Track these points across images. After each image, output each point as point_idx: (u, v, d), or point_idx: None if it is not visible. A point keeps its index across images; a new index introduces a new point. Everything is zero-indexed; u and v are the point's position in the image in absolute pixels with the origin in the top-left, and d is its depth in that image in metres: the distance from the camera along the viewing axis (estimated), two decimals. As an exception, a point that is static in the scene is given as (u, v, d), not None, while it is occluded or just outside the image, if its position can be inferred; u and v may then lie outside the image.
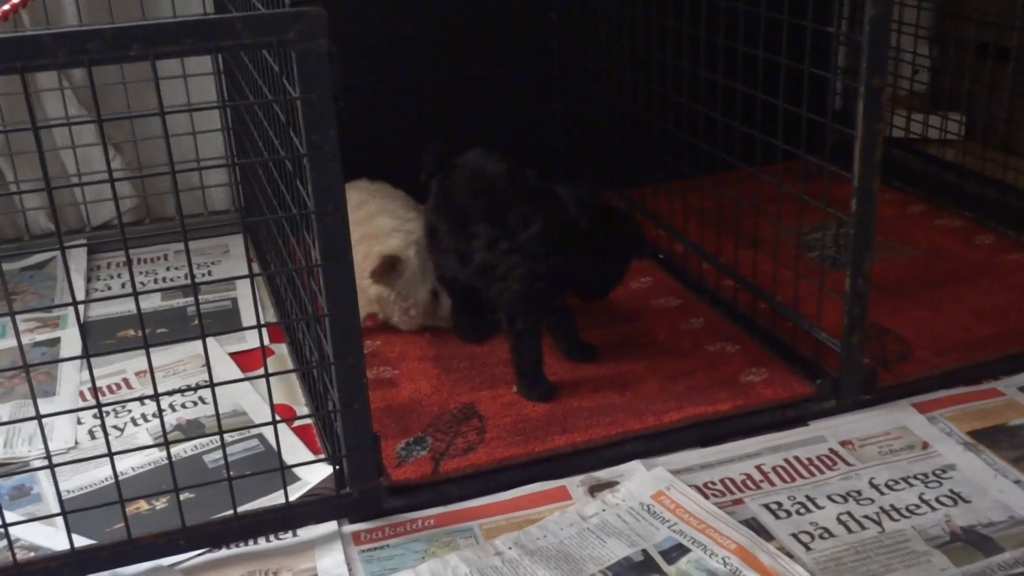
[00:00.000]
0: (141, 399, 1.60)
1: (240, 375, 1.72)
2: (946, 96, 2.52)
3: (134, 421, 1.62)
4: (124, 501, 1.24)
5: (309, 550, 1.32)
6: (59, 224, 1.20)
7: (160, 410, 1.27)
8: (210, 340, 1.28)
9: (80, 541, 1.28)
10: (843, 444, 1.49)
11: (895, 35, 2.39)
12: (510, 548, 1.29)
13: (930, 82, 2.57)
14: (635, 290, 1.96)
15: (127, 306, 1.99)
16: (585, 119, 2.37)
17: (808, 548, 1.28)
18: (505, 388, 1.63)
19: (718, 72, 1.76)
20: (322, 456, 1.47)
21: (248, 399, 1.65)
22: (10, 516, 1.31)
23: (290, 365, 1.76)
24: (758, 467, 1.45)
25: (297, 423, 1.58)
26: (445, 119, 2.37)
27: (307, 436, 1.55)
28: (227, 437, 1.35)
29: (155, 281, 2.15)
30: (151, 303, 2.02)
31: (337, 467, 1.38)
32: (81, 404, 1.67)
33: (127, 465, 1.48)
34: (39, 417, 1.19)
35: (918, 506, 1.35)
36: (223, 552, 1.32)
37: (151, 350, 1.21)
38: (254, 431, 1.56)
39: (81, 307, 1.98)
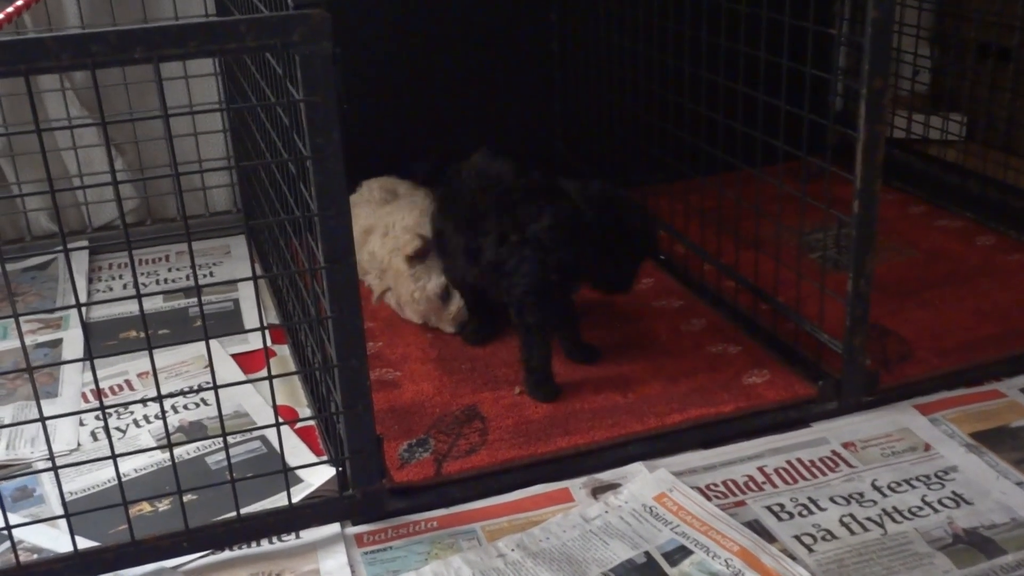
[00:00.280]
0: (144, 401, 1.61)
1: (242, 377, 1.72)
2: (947, 97, 2.52)
3: (136, 423, 1.62)
4: (127, 503, 1.25)
5: (312, 552, 1.32)
6: (62, 226, 1.20)
7: (163, 412, 1.27)
8: (212, 341, 1.28)
9: (83, 543, 1.29)
10: (845, 446, 1.49)
11: (896, 36, 2.39)
12: (513, 550, 1.29)
13: (931, 83, 2.57)
14: (637, 291, 1.96)
15: (129, 307, 1.99)
16: (586, 120, 2.38)
17: (810, 550, 1.28)
18: (507, 390, 1.64)
19: (719, 73, 1.76)
20: (325, 458, 1.47)
21: (250, 401, 1.65)
22: (13, 518, 1.31)
23: (292, 366, 1.76)
24: (760, 469, 1.45)
25: (300, 425, 1.58)
26: (446, 120, 2.38)
27: (310, 438, 1.55)
28: (230, 439, 1.34)
29: (157, 282, 2.15)
30: (153, 304, 2.02)
31: (340, 469, 1.38)
32: (84, 406, 1.67)
33: (130, 467, 1.49)
34: (42, 419, 1.19)
35: (920, 508, 1.35)
36: (226, 554, 1.32)
37: (154, 351, 1.21)
38: (257, 433, 1.56)
39: (83, 308, 1.99)
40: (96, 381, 1.22)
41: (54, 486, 1.27)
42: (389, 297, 1.89)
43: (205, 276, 2.16)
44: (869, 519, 1.33)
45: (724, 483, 1.42)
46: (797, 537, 1.30)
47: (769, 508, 1.36)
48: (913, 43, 2.47)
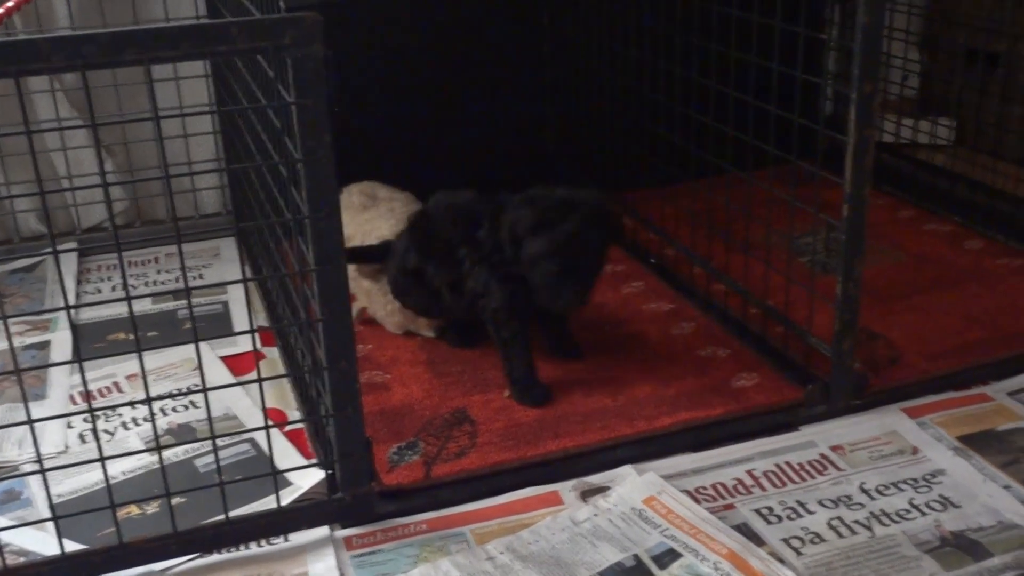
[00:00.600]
0: (132, 403, 1.60)
1: (232, 379, 1.72)
2: (936, 101, 2.53)
3: (125, 425, 1.62)
4: (115, 506, 1.24)
5: (301, 555, 1.32)
6: (51, 227, 1.20)
7: (152, 414, 1.27)
8: (201, 344, 1.28)
9: (71, 546, 1.28)
10: (834, 449, 1.50)
11: (885, 41, 2.40)
12: (502, 553, 1.29)
13: (920, 87, 2.58)
14: (626, 295, 1.97)
15: (118, 309, 1.98)
16: (577, 123, 2.38)
17: (799, 553, 1.28)
18: (497, 392, 1.64)
19: (710, 77, 1.77)
20: (314, 461, 1.47)
21: (240, 403, 1.65)
22: (0, 521, 1.31)
23: (282, 369, 1.76)
24: (749, 472, 1.45)
25: (289, 427, 1.57)
26: (438, 122, 2.38)
27: (299, 440, 1.55)
28: (219, 441, 1.34)
29: (146, 284, 2.14)
30: (142, 306, 2.02)
31: (329, 472, 1.38)
32: (72, 408, 1.66)
33: (118, 469, 1.48)
34: (30, 421, 1.19)
35: (908, 511, 1.35)
36: (215, 557, 1.32)
37: (142, 354, 1.20)
38: (246, 435, 1.56)
39: (72, 310, 1.98)
40: (84, 383, 1.21)
41: (41, 489, 1.26)
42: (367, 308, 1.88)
43: (195, 278, 2.15)
44: (857, 522, 1.34)
45: (713, 486, 1.42)
46: (786, 540, 1.31)
47: (758, 511, 1.37)
48: (903, 48, 2.48)
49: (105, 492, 1.23)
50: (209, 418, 1.28)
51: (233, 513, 1.31)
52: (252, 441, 1.55)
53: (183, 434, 1.59)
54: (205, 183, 2.42)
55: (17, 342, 1.88)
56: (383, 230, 1.85)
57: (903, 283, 1.96)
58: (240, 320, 1.95)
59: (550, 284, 1.54)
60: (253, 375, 1.30)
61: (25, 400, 1.20)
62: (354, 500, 1.35)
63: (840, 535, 1.31)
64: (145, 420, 1.61)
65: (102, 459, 1.22)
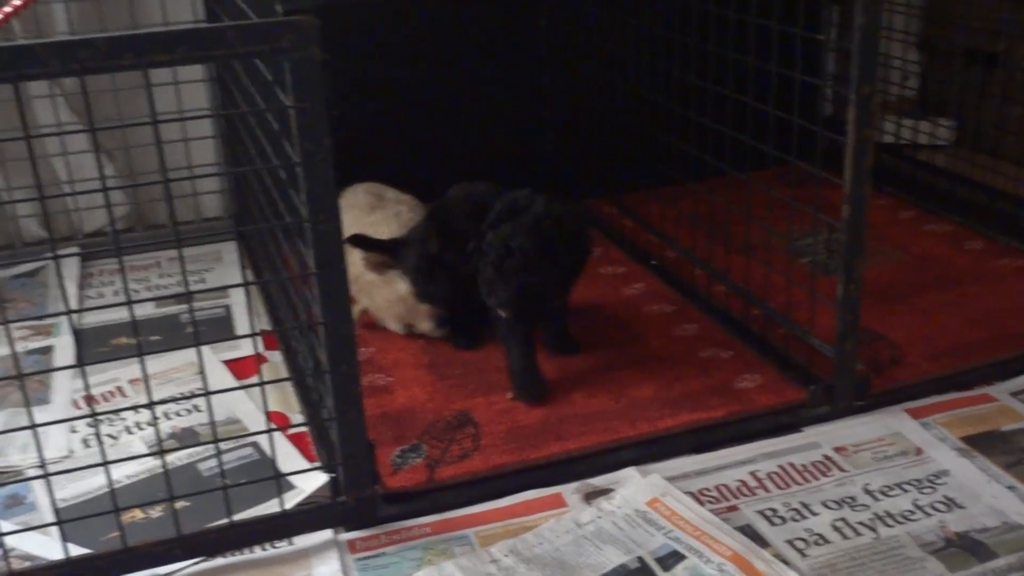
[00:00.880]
0: (135, 407, 1.60)
1: (234, 383, 1.72)
2: (935, 102, 2.53)
3: (128, 429, 1.62)
4: (119, 510, 1.24)
5: (305, 559, 1.32)
6: (52, 233, 1.20)
7: (155, 418, 1.27)
8: (204, 348, 1.28)
9: (75, 550, 1.28)
10: (837, 450, 1.49)
11: (884, 41, 2.40)
12: (506, 556, 1.29)
13: (919, 88, 2.58)
14: (628, 297, 1.97)
15: (120, 314, 1.98)
16: (576, 125, 2.38)
17: (803, 555, 1.28)
18: (499, 395, 1.64)
19: (709, 79, 1.77)
20: (317, 464, 1.47)
21: (242, 407, 1.65)
22: (5, 525, 1.31)
23: (284, 372, 1.75)
24: (753, 473, 1.45)
25: (292, 431, 1.57)
26: (436, 125, 2.38)
27: (302, 444, 1.55)
28: (222, 445, 1.34)
29: (148, 288, 2.14)
30: (144, 311, 2.02)
31: (332, 475, 1.38)
32: (75, 413, 1.66)
33: (122, 474, 1.48)
34: (33, 426, 1.19)
35: (912, 512, 1.35)
36: (219, 561, 1.32)
37: (145, 358, 1.20)
38: (249, 439, 1.56)
39: (74, 315, 1.98)
40: (87, 388, 1.21)
41: (46, 493, 1.26)
42: (371, 310, 1.88)
43: (196, 282, 2.16)
44: (861, 523, 1.34)
45: (717, 488, 1.42)
46: (790, 542, 1.31)
47: (762, 513, 1.37)
48: (901, 48, 2.48)
49: (109, 496, 1.23)
50: (212, 422, 1.28)
51: (237, 517, 1.31)
52: (255, 445, 1.55)
53: (186, 438, 1.59)
54: (206, 187, 2.42)
55: (20, 347, 1.88)
56: (388, 234, 1.85)
57: (904, 284, 1.96)
58: (242, 324, 1.96)
59: (484, 281, 1.59)
60: (255, 379, 1.30)
61: (28, 405, 1.20)
62: (357, 503, 1.35)
63: (844, 536, 1.31)
64: (148, 424, 1.61)
65: (105, 463, 1.22)
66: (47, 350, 1.89)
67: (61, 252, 2.27)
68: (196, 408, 1.66)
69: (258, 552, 1.33)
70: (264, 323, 1.94)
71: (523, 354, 1.63)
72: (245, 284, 1.27)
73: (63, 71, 1.08)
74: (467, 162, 2.30)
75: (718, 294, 1.89)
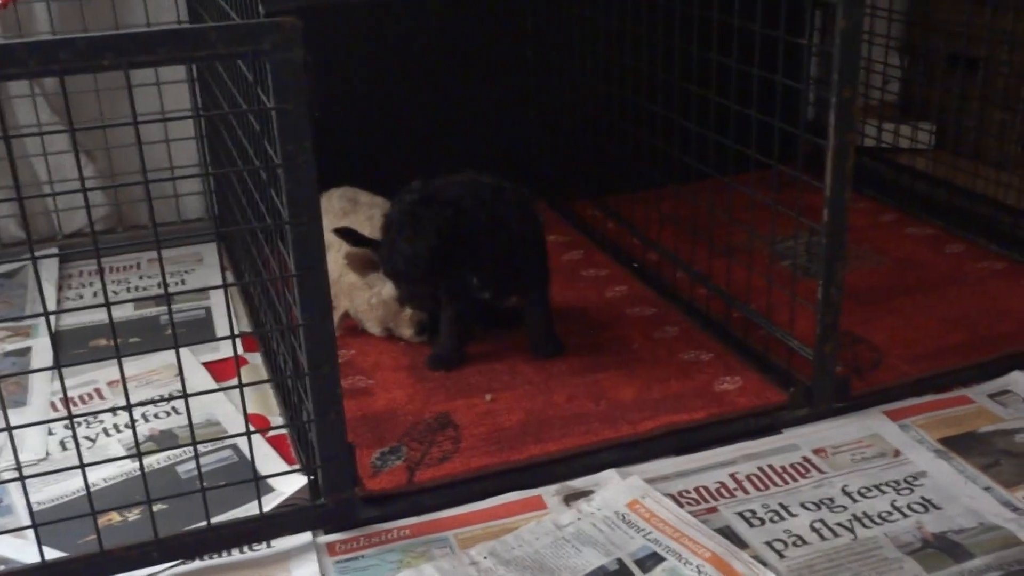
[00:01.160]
0: (113, 409, 1.59)
1: (214, 385, 1.71)
2: (916, 106, 2.55)
3: (106, 432, 1.61)
4: (96, 513, 1.23)
5: (284, 561, 1.31)
6: (30, 233, 1.19)
7: (132, 421, 1.26)
8: (183, 350, 1.27)
9: (51, 554, 1.27)
10: (816, 452, 1.50)
11: (866, 46, 2.41)
12: (485, 558, 1.29)
13: (900, 92, 2.60)
14: (609, 299, 1.97)
15: (99, 315, 1.97)
16: (560, 127, 2.38)
17: (782, 556, 1.29)
18: (480, 397, 1.63)
19: (692, 82, 1.77)
20: (297, 466, 1.46)
21: (222, 409, 1.64)
22: (-20, 529, 1.30)
23: (264, 374, 1.75)
24: (732, 475, 1.45)
25: (271, 433, 1.57)
26: (421, 127, 2.38)
27: (281, 446, 1.54)
28: (200, 448, 1.34)
29: (128, 290, 2.13)
30: (124, 312, 2.01)
31: (312, 477, 1.38)
32: (52, 415, 1.65)
33: (99, 476, 1.47)
34: (9, 428, 1.18)
35: (890, 513, 1.36)
36: (196, 564, 1.31)
37: (123, 360, 1.20)
38: (228, 441, 1.55)
39: (52, 316, 1.97)
40: (64, 390, 1.21)
41: (21, 496, 1.26)
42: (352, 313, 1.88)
43: (177, 284, 2.15)
44: (839, 524, 1.34)
45: (696, 490, 1.43)
46: (768, 543, 1.31)
47: (741, 514, 1.37)
48: (883, 53, 2.49)
49: (86, 499, 1.23)
50: (190, 424, 1.27)
51: (215, 519, 1.30)
52: (234, 447, 1.55)
53: (165, 440, 1.58)
54: (188, 188, 2.42)
55: (-3, 349, 1.87)
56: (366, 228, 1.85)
57: (885, 287, 1.97)
58: (222, 325, 1.95)
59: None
60: (235, 381, 1.30)
61: (3, 407, 1.19)
62: (337, 506, 1.35)
63: (823, 537, 1.32)
64: (126, 426, 1.61)
65: (82, 466, 1.21)
66: (25, 351, 1.87)
67: (40, 253, 2.25)
68: (175, 410, 1.66)
69: (236, 555, 1.32)
70: (245, 325, 1.94)
71: (448, 332, 1.73)
72: (225, 286, 1.26)
73: (43, 71, 1.07)
74: (451, 165, 2.29)
75: (700, 296, 1.89)
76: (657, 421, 1.55)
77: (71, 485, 1.46)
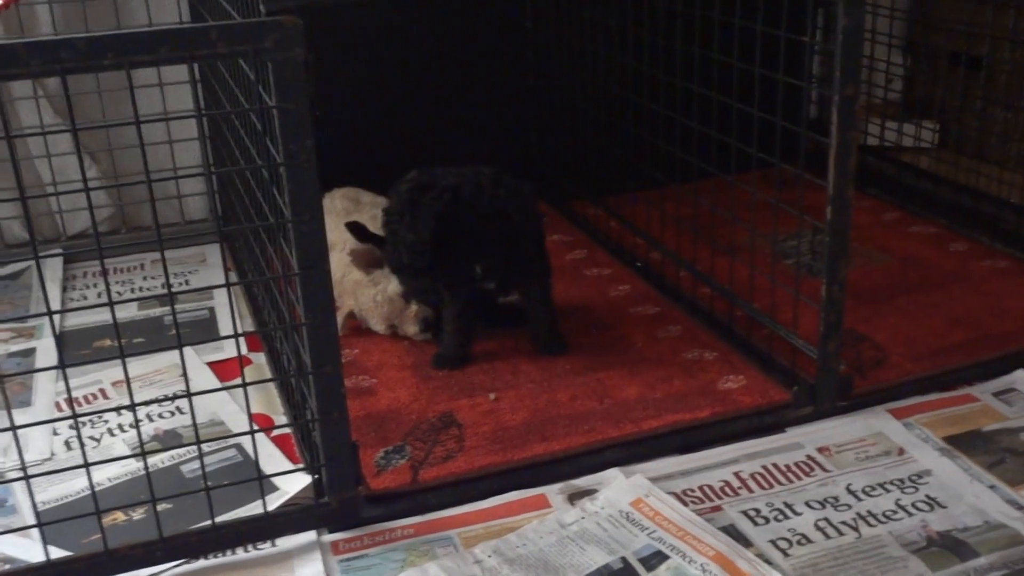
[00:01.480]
0: (118, 409, 1.59)
1: (218, 384, 1.71)
2: (919, 104, 2.55)
3: (111, 431, 1.61)
4: (100, 512, 1.24)
5: (288, 560, 1.31)
6: (34, 234, 1.19)
7: (137, 420, 1.26)
8: (187, 349, 1.28)
9: (56, 553, 1.27)
10: (820, 450, 1.50)
11: (869, 44, 2.41)
12: (489, 556, 1.29)
13: (903, 90, 2.59)
14: (613, 298, 1.97)
15: (103, 316, 1.97)
16: (561, 127, 2.38)
17: (786, 554, 1.29)
18: (484, 396, 1.64)
19: (694, 81, 1.77)
20: (301, 465, 1.46)
21: (226, 408, 1.64)
22: (-16, 528, 1.30)
23: (268, 374, 1.75)
24: (736, 474, 1.45)
25: (275, 432, 1.57)
26: (423, 127, 2.38)
27: (285, 445, 1.54)
28: (205, 447, 1.34)
29: (132, 290, 2.14)
30: (128, 312, 2.01)
31: (316, 476, 1.38)
32: (57, 415, 1.66)
33: (104, 476, 1.47)
34: (14, 428, 1.18)
35: (895, 512, 1.36)
36: (201, 563, 1.31)
37: (128, 360, 1.20)
38: (232, 441, 1.55)
39: (57, 317, 1.97)
40: (69, 390, 1.21)
41: (27, 496, 1.26)
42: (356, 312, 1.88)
43: (181, 284, 2.15)
44: (844, 523, 1.34)
45: (700, 488, 1.42)
46: (773, 542, 1.31)
47: (745, 513, 1.37)
48: (886, 51, 2.49)
49: (90, 499, 1.23)
50: (195, 423, 1.27)
51: (219, 519, 1.30)
52: (238, 446, 1.55)
53: (169, 440, 1.58)
54: (191, 189, 2.42)
55: (2, 349, 1.88)
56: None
57: (888, 285, 1.96)
58: (226, 325, 1.95)
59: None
60: (239, 380, 1.30)
61: (8, 407, 1.19)
62: (341, 505, 1.35)
63: (827, 536, 1.32)
64: (131, 426, 1.61)
65: (87, 465, 1.22)
66: (29, 352, 1.88)
67: (44, 254, 2.26)
68: (179, 410, 1.66)
69: (241, 554, 1.33)
70: (248, 324, 1.94)
71: (453, 330, 1.73)
72: (228, 285, 1.26)
73: (44, 71, 1.07)
74: (452, 164, 2.30)
75: (703, 295, 1.89)
76: (661, 420, 1.55)
77: (76, 485, 1.46)
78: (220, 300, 2.04)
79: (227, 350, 1.83)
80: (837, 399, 1.58)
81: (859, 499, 1.39)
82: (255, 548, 1.33)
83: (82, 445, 1.21)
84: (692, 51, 1.77)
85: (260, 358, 1.82)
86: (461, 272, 1.66)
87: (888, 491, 1.40)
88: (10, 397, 1.67)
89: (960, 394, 1.63)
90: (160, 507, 1.28)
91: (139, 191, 2.37)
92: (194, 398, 1.26)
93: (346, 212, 1.95)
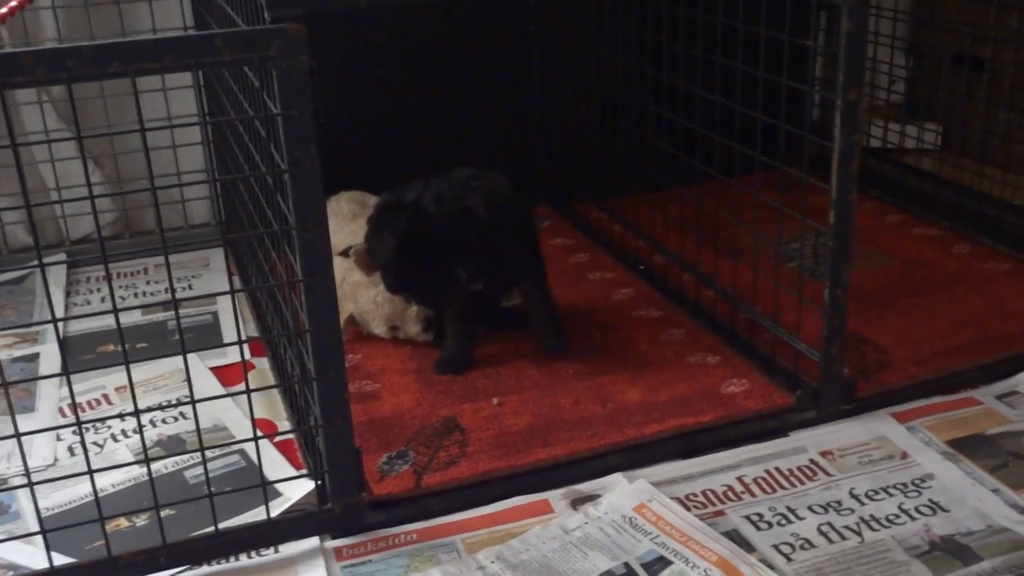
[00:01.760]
0: (121, 415, 1.60)
1: (221, 390, 1.71)
2: (922, 106, 2.54)
3: (114, 437, 1.61)
4: (104, 519, 1.24)
5: (291, 566, 1.31)
6: (38, 240, 1.20)
7: (140, 426, 1.26)
8: (191, 355, 1.28)
9: (59, 559, 1.28)
10: (823, 454, 1.50)
11: (871, 46, 2.41)
12: (492, 562, 1.29)
13: (906, 92, 2.59)
14: (616, 301, 1.97)
15: (107, 321, 1.97)
16: (565, 130, 2.38)
17: (789, 559, 1.28)
18: (486, 401, 1.64)
19: (697, 84, 1.77)
20: (304, 471, 1.47)
21: (229, 414, 1.65)
22: (-11, 535, 1.31)
23: (271, 379, 1.75)
24: (739, 478, 1.45)
25: (279, 438, 1.57)
26: (427, 131, 2.38)
27: (289, 451, 1.54)
28: (208, 453, 1.34)
29: (135, 295, 2.14)
30: (131, 318, 2.01)
31: (319, 482, 1.38)
32: (60, 421, 1.66)
33: (107, 482, 1.48)
34: (18, 435, 1.18)
35: (898, 516, 1.36)
36: (204, 569, 1.31)
37: (131, 365, 1.20)
38: (235, 447, 1.55)
39: (60, 322, 1.97)
40: (73, 396, 1.21)
41: (30, 502, 1.26)
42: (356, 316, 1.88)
43: (184, 289, 2.15)
44: (847, 527, 1.34)
45: (703, 493, 1.42)
46: (776, 546, 1.31)
47: (748, 518, 1.37)
48: (888, 53, 2.49)
49: (94, 505, 1.23)
50: (198, 429, 1.27)
51: (223, 525, 1.31)
52: (242, 452, 1.55)
53: (172, 446, 1.58)
54: (195, 194, 2.42)
55: (5, 355, 1.88)
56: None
57: (891, 288, 1.96)
58: (229, 330, 1.95)
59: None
60: (242, 386, 1.30)
61: (12, 413, 1.19)
62: (344, 510, 1.35)
63: (830, 541, 1.32)
64: (134, 432, 1.61)
65: (91, 472, 1.22)
66: (33, 357, 1.88)
67: (47, 259, 2.26)
68: (182, 416, 1.66)
69: (244, 560, 1.33)
70: (252, 330, 1.94)
71: (454, 335, 1.74)
72: (232, 291, 1.27)
73: (50, 80, 1.07)
74: (456, 169, 2.30)
75: (706, 299, 1.89)
76: (664, 424, 1.55)
77: (79, 491, 1.46)
78: (223, 305, 2.04)
79: (231, 355, 1.83)
80: (840, 403, 1.58)
81: (862, 503, 1.39)
82: (258, 554, 1.34)
83: (85, 451, 1.21)
84: (695, 54, 1.77)
85: (264, 363, 1.82)
86: (445, 279, 1.67)
87: (891, 495, 1.40)
88: (14, 403, 1.67)
89: (963, 397, 1.63)
90: (163, 513, 1.28)
91: (142, 196, 2.38)
92: (197, 404, 1.26)
93: (352, 215, 1.96)
